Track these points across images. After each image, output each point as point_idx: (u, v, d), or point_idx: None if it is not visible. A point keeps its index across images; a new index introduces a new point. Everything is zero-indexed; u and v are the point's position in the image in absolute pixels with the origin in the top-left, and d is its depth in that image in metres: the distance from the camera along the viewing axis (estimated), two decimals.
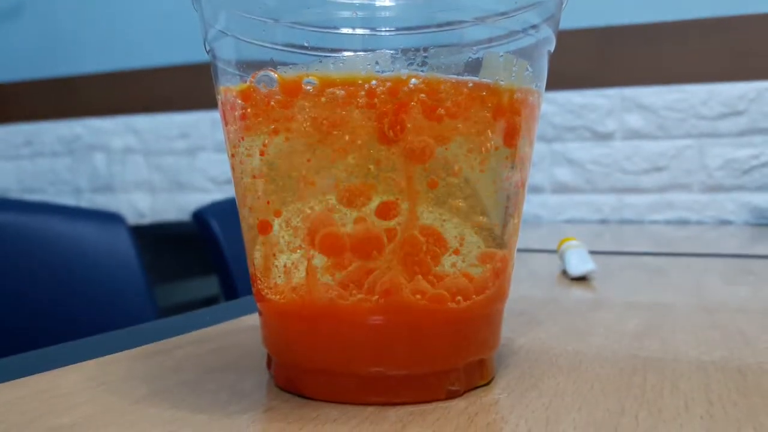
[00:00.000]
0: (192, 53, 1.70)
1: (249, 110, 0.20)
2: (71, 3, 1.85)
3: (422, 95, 0.19)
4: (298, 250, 0.20)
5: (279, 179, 0.20)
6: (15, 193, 1.94)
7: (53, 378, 0.23)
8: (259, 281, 0.21)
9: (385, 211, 0.19)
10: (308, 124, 0.19)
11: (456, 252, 0.20)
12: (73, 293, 0.66)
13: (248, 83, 0.20)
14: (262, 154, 0.20)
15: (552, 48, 0.21)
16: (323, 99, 0.19)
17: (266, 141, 0.20)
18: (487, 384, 0.22)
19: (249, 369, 0.24)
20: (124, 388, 0.22)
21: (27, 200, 0.69)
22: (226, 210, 0.97)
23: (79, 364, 0.25)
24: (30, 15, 1.89)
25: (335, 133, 0.19)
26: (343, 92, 0.19)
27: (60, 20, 1.86)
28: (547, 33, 0.20)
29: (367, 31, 0.19)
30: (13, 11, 1.89)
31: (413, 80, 0.18)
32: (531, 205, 1.40)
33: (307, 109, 0.19)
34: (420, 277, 0.19)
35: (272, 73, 0.19)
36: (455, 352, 0.21)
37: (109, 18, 1.80)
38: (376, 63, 0.19)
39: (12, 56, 1.91)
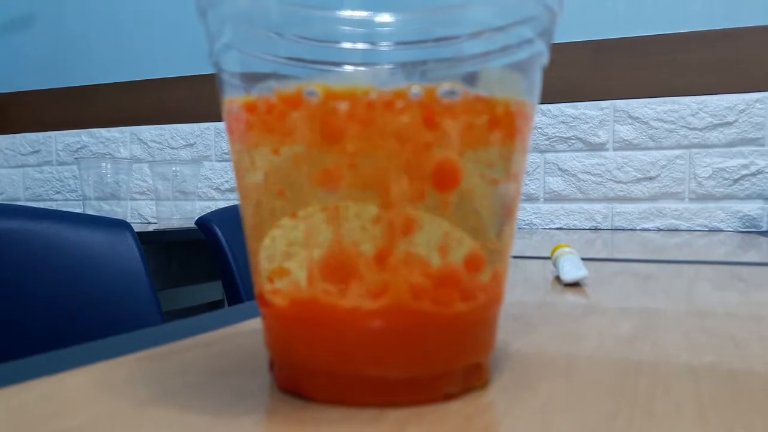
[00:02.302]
0: (198, 65, 1.71)
1: (253, 121, 0.21)
2: (80, 15, 1.86)
3: (421, 107, 0.19)
4: (300, 256, 0.20)
5: (282, 187, 0.20)
6: (22, 201, 1.95)
7: (59, 381, 0.23)
8: (261, 286, 0.22)
9: (384, 218, 0.19)
10: (309, 134, 0.19)
11: (454, 257, 0.20)
12: (80, 298, 0.66)
13: (252, 95, 0.20)
14: (265, 163, 0.21)
15: (545, 61, 0.22)
16: (324, 110, 0.19)
17: (269, 151, 0.20)
18: (484, 386, 0.22)
19: (252, 372, 0.24)
20: (129, 390, 0.22)
21: (34, 207, 0.69)
22: (230, 217, 0.98)
23: (84, 367, 0.25)
24: (40, 26, 1.90)
25: (336, 143, 0.19)
26: (343, 104, 0.19)
27: (69, 31, 1.87)
28: (541, 47, 0.21)
29: (367, 46, 0.19)
30: (24, 22, 1.90)
31: (412, 92, 0.19)
32: (525, 213, 1.40)
33: (309, 120, 0.19)
34: (419, 282, 0.20)
35: (275, 86, 0.20)
36: (453, 356, 0.21)
37: (117, 30, 1.82)
38: (376, 76, 0.19)
39: (21, 66, 1.93)
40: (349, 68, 0.19)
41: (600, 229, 1.32)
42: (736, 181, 1.26)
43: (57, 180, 1.88)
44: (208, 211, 1.03)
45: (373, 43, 0.19)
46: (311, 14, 0.19)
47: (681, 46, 1.29)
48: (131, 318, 0.69)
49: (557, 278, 0.50)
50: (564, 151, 1.37)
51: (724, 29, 1.27)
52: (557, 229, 1.36)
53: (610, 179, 1.33)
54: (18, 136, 1.92)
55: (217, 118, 1.65)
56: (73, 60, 1.86)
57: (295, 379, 0.21)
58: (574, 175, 1.36)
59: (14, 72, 1.92)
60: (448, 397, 0.21)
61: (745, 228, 1.26)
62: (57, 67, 1.88)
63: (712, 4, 1.28)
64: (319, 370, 0.21)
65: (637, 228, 1.32)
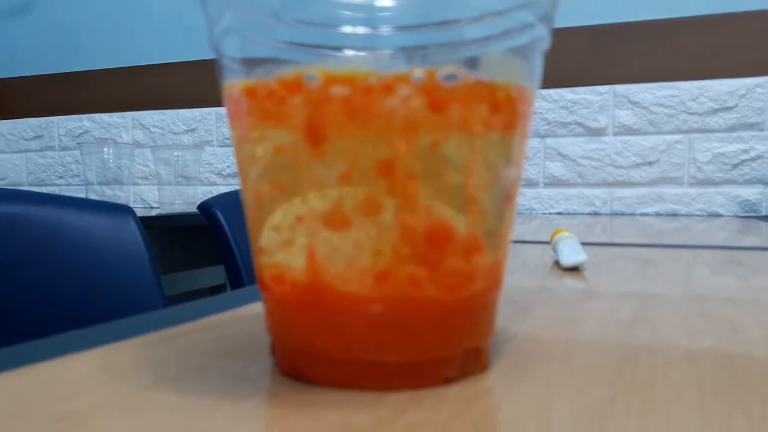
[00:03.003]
0: (198, 50, 1.70)
1: (253, 106, 0.20)
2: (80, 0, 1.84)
3: (421, 92, 0.19)
4: (301, 241, 0.20)
5: (282, 172, 0.20)
6: (25, 186, 1.95)
7: (61, 365, 0.23)
8: (262, 271, 0.22)
9: (384, 203, 0.19)
10: (309, 119, 0.19)
11: (453, 242, 0.20)
12: (83, 283, 0.66)
13: (252, 80, 0.20)
14: (265, 148, 0.20)
15: (546, 46, 0.22)
16: (324, 95, 0.19)
17: (270, 135, 0.20)
18: (483, 370, 0.22)
19: (254, 355, 0.24)
20: (132, 374, 0.22)
21: (37, 192, 0.69)
22: (232, 202, 0.98)
23: (86, 351, 0.25)
24: (40, 11, 1.89)
25: (336, 127, 0.19)
26: (343, 88, 0.19)
27: (69, 16, 1.86)
28: (542, 31, 0.21)
29: (367, 30, 0.19)
30: (24, 7, 1.88)
31: (413, 76, 0.19)
32: (525, 198, 1.40)
33: (308, 105, 0.19)
34: (419, 267, 0.20)
35: (275, 70, 0.20)
36: (452, 340, 0.21)
37: (118, 14, 1.81)
38: (376, 60, 0.19)
39: (22, 52, 1.92)
40: (349, 53, 0.19)
41: (599, 214, 1.32)
42: (735, 166, 1.26)
43: (60, 165, 1.88)
44: (210, 196, 1.04)
45: (373, 28, 0.19)
46: None
47: (681, 31, 1.29)
48: (134, 302, 0.69)
49: (556, 263, 0.50)
50: (564, 136, 1.37)
51: (725, 13, 1.26)
52: (557, 213, 1.36)
53: (610, 164, 1.33)
54: (20, 121, 1.91)
55: (219, 103, 1.65)
56: (73, 45, 1.85)
57: (296, 363, 0.21)
58: (573, 161, 1.36)
59: (15, 57, 1.92)
60: (448, 381, 0.21)
61: (744, 213, 1.26)
62: (57, 52, 1.87)
63: None
64: (319, 354, 0.21)
65: (637, 213, 1.32)
